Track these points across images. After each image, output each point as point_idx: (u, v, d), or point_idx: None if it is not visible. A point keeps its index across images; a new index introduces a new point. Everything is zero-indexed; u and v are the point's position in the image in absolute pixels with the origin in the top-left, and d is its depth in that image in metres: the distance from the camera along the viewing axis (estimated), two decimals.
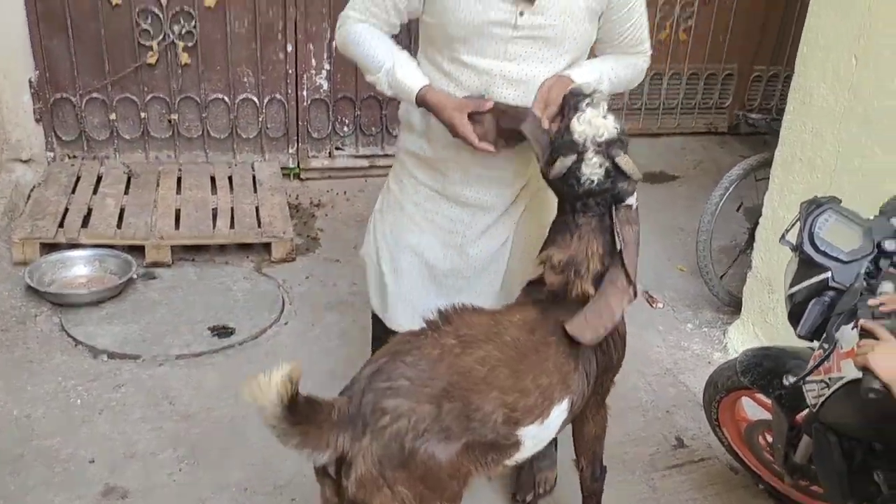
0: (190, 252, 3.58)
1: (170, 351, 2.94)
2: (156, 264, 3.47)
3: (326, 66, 4.23)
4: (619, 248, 1.79)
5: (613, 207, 1.79)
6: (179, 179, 3.99)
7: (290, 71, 4.18)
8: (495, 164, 2.00)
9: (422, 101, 1.91)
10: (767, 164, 3.13)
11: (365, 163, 4.44)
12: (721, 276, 3.53)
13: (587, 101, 1.77)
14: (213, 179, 4.03)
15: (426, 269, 2.15)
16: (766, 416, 2.27)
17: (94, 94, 3.99)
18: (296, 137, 4.33)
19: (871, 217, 1.76)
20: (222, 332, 3.08)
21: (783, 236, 1.83)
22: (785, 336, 2.27)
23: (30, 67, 3.86)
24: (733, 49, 5.10)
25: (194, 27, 3.98)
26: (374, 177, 4.38)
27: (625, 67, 2.00)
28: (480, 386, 1.62)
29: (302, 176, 4.40)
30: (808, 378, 1.72)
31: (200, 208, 3.74)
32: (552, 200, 1.99)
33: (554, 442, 2.37)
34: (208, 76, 4.11)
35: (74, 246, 3.43)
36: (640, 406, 2.90)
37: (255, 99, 4.20)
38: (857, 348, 1.42)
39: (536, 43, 1.86)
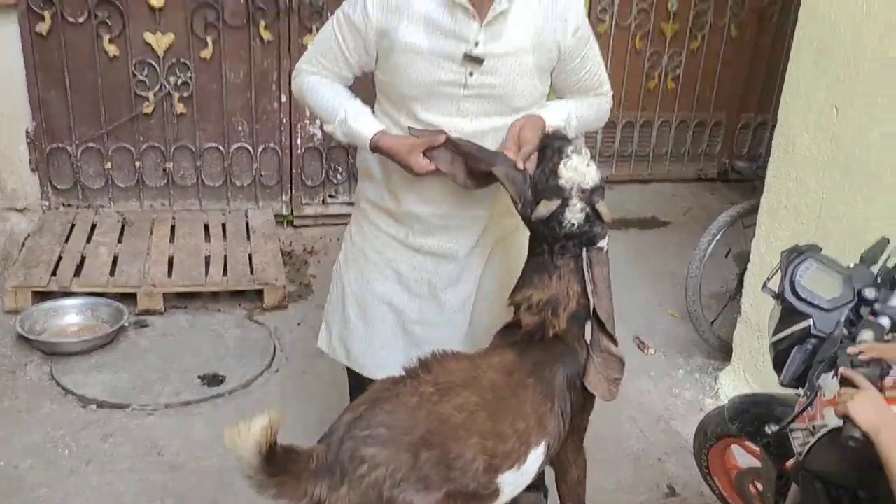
0: (182, 300, 3.59)
1: (159, 400, 2.93)
2: (148, 312, 3.48)
3: None
4: (589, 290, 1.85)
5: (585, 249, 1.85)
6: (173, 227, 4.02)
7: (284, 120, 4.24)
8: (455, 212, 2.04)
9: (376, 148, 1.94)
10: (754, 210, 3.16)
11: None
12: (712, 322, 3.54)
13: (572, 147, 1.82)
14: (206, 227, 4.05)
15: (395, 316, 2.17)
16: (757, 463, 2.26)
17: (90, 144, 4.04)
18: (289, 185, 4.37)
19: (852, 265, 1.78)
20: (212, 380, 3.07)
21: (765, 284, 1.85)
22: (775, 382, 2.27)
23: (27, 118, 3.91)
24: (721, 98, 5.19)
25: (190, 78, 4.05)
26: None
27: (588, 108, 2.06)
28: (459, 432, 1.63)
29: (295, 223, 4.43)
30: (794, 426, 1.73)
31: (193, 256, 3.76)
32: (516, 247, 2.07)
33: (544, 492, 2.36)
34: (203, 125, 4.17)
35: (67, 294, 3.44)
36: (631, 454, 2.89)
37: (250, 147, 4.25)
38: (837, 397, 1.43)
39: (487, 100, 1.92)
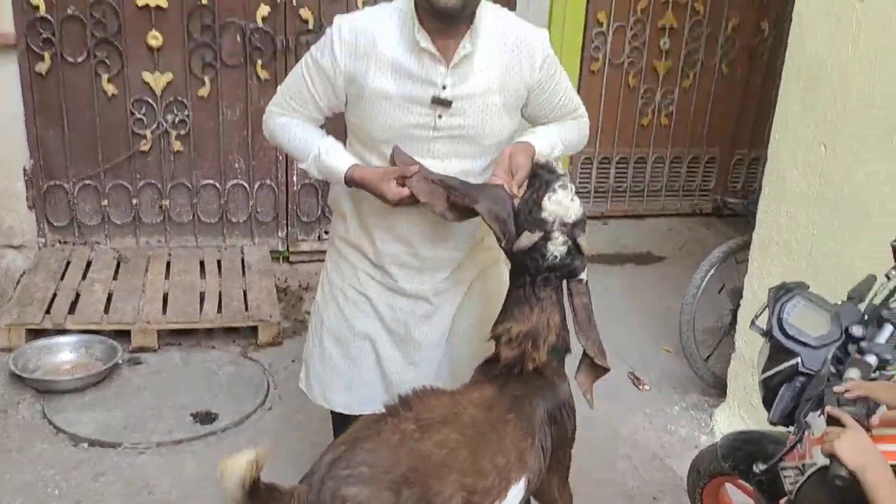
0: (177, 336, 3.59)
1: (151, 438, 2.91)
2: (142, 349, 3.47)
3: None
4: (571, 320, 1.89)
5: (566, 281, 1.89)
6: (169, 264, 4.03)
7: (280, 157, 4.28)
8: (428, 251, 2.06)
9: (350, 181, 1.96)
10: (747, 246, 3.18)
11: None
12: (706, 358, 3.54)
13: (559, 182, 1.85)
14: (202, 264, 4.07)
15: (375, 353, 2.17)
16: (751, 502, 2.24)
17: (87, 181, 4.07)
18: (285, 221, 4.39)
19: (839, 302, 1.79)
20: (205, 418, 3.06)
21: (753, 322, 1.86)
22: None
23: (25, 156, 3.95)
24: (714, 134, 5.24)
25: (187, 116, 4.09)
26: None
27: (570, 130, 2.09)
28: (440, 470, 1.63)
29: (291, 259, 4.44)
30: (785, 464, 1.72)
31: (188, 292, 3.77)
32: (496, 280, 2.11)
33: None
34: (200, 163, 4.20)
35: (61, 331, 3.44)
36: (626, 492, 2.87)
37: (246, 184, 4.28)
38: (824, 435, 1.43)
39: (458, 141, 1.94)
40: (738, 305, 3.21)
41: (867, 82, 2.52)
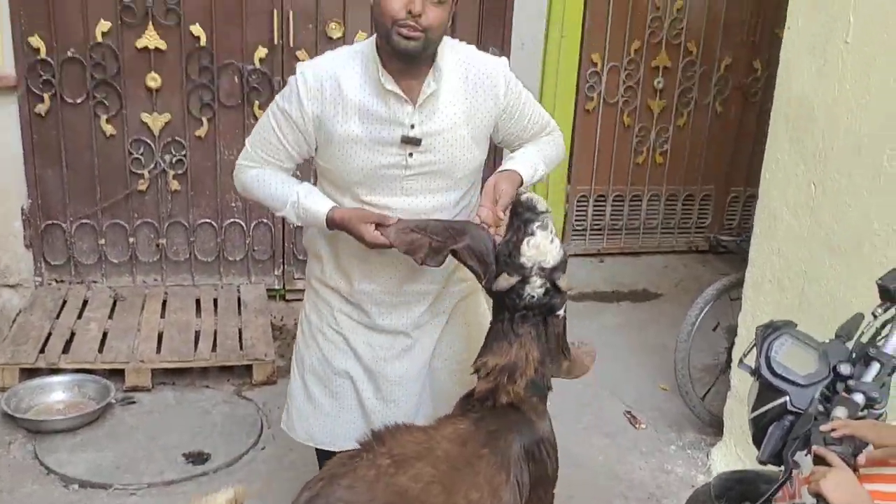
0: (171, 375, 3.58)
1: (142, 479, 2.89)
2: (136, 388, 3.46)
3: None
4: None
5: (544, 317, 1.90)
6: (165, 302, 4.03)
7: None
8: (404, 289, 2.08)
9: (331, 223, 1.97)
10: (740, 284, 3.18)
11: None
12: (703, 396, 3.52)
13: (539, 222, 1.86)
14: (198, 302, 4.07)
15: (355, 391, 2.17)
16: None
17: (85, 220, 4.10)
18: (282, 260, 4.41)
19: (827, 340, 1.79)
20: (197, 458, 3.04)
21: (741, 360, 1.86)
22: None
23: (23, 196, 3.98)
24: (709, 171, 5.27)
25: (185, 155, 4.13)
26: None
27: (547, 146, 2.12)
28: None
29: (287, 297, 4.45)
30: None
31: (183, 331, 3.76)
32: (474, 309, 2.13)
33: None
34: (197, 201, 4.23)
35: (55, 371, 3.43)
36: None
37: (243, 223, 4.30)
38: (810, 475, 1.42)
39: (430, 177, 1.97)
40: (734, 343, 3.20)
41: (854, 121, 2.54)
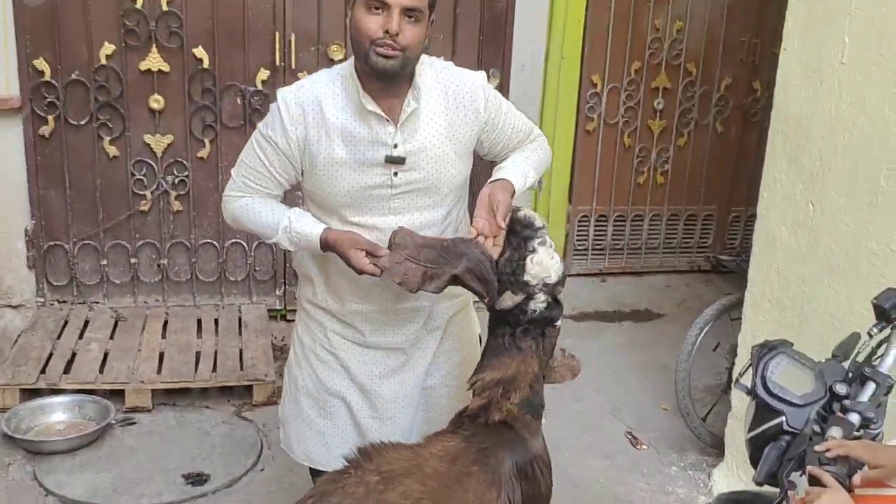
0: (171, 396, 3.58)
1: (140, 501, 2.88)
2: (136, 409, 3.46)
3: None
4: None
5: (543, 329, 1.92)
6: (166, 323, 4.04)
7: None
8: (397, 307, 2.07)
9: (324, 244, 1.96)
10: (740, 303, 3.17)
11: None
12: (704, 417, 3.50)
13: (539, 239, 1.87)
14: (199, 322, 4.08)
15: (349, 411, 2.17)
16: None
17: (87, 241, 4.12)
18: (283, 280, 4.42)
19: (823, 360, 1.79)
20: (196, 479, 3.03)
21: (737, 380, 1.85)
22: None
23: (26, 217, 4.00)
24: (710, 192, 5.28)
25: (187, 176, 4.16)
26: None
27: (534, 152, 2.11)
28: None
29: (288, 317, 4.44)
30: None
31: (184, 352, 3.77)
32: (469, 322, 2.12)
33: None
34: (199, 222, 4.24)
35: (55, 391, 3.43)
36: None
37: (244, 243, 4.31)
38: (805, 496, 1.41)
39: (416, 194, 1.97)
40: (734, 363, 3.19)
41: (851, 140, 2.55)
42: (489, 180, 1.99)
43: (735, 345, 3.20)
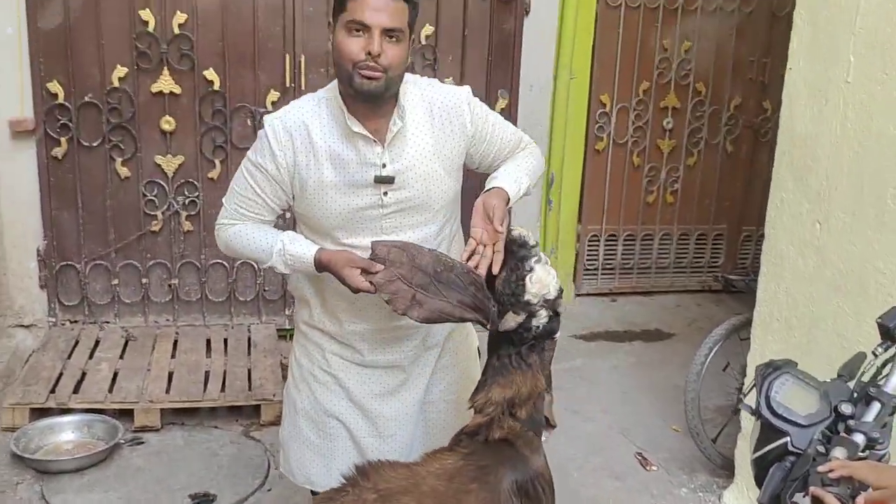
0: (180, 415, 3.59)
1: None
2: (144, 428, 3.47)
3: None
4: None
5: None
6: (176, 342, 4.06)
7: None
8: (393, 325, 2.06)
9: (319, 265, 1.96)
10: (749, 323, 3.15)
11: None
12: (714, 438, 3.46)
13: (535, 257, 1.87)
14: (208, 342, 4.09)
15: (348, 432, 2.16)
16: None
17: (98, 261, 4.16)
18: (292, 300, 4.41)
19: (828, 380, 1.77)
20: (203, 499, 3.03)
21: (741, 400, 1.84)
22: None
23: (38, 237, 4.05)
24: (721, 211, 5.27)
25: (198, 196, 4.20)
26: None
27: (526, 159, 2.09)
28: None
29: None
30: None
31: (193, 371, 3.78)
32: (463, 346, 2.12)
33: None
34: (209, 242, 4.27)
35: (65, 411, 3.45)
36: None
37: (254, 263, 4.31)
38: None
39: (407, 213, 1.97)
40: (744, 383, 3.16)
41: (857, 160, 2.54)
42: (483, 190, 2.00)
43: (745, 365, 3.18)
